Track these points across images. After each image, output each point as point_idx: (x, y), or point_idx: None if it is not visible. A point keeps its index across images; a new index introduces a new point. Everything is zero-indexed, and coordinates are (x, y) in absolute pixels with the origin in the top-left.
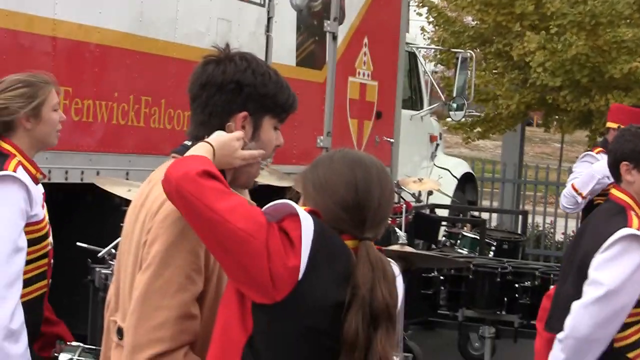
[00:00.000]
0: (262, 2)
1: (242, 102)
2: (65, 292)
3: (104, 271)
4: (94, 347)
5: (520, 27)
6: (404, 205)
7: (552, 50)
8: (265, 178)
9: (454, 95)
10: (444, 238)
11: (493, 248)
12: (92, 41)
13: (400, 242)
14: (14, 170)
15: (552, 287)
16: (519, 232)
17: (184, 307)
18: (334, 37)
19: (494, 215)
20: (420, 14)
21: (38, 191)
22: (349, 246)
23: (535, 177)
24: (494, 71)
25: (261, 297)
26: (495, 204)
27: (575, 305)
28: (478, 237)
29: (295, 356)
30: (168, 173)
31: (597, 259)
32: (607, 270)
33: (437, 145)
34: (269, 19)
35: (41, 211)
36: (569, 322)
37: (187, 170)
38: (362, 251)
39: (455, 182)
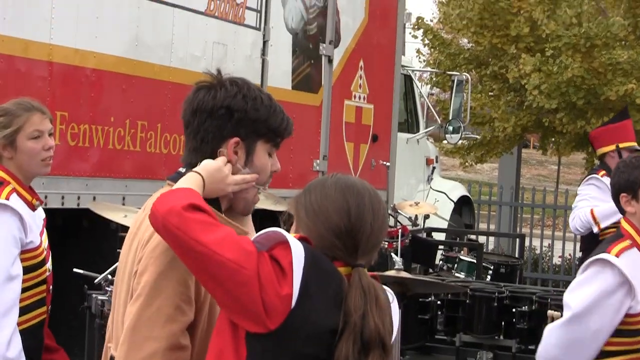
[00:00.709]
0: (258, 26)
1: (233, 128)
2: (63, 318)
3: (100, 297)
4: None
5: (516, 49)
6: (400, 229)
7: (547, 73)
8: (260, 202)
9: (450, 117)
10: (440, 262)
11: (490, 272)
12: (88, 66)
13: (396, 266)
14: (7, 198)
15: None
16: (516, 255)
17: (173, 338)
18: (330, 60)
19: (491, 238)
20: (415, 37)
21: (35, 217)
22: (342, 272)
23: (532, 200)
24: (489, 93)
25: (255, 326)
26: (492, 227)
27: (547, 328)
28: (475, 261)
29: None
30: (154, 208)
31: (572, 282)
32: (575, 293)
33: (434, 168)
34: (265, 43)
35: (38, 238)
36: (540, 343)
37: (173, 205)
38: (355, 278)
39: (452, 205)
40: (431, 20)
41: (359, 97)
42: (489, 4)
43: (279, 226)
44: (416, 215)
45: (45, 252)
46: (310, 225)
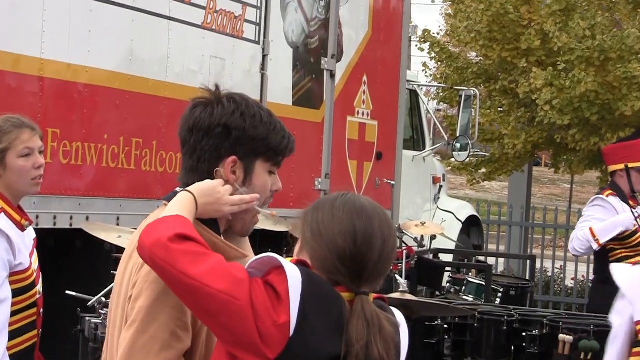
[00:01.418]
0: (257, 39)
1: (231, 146)
2: (55, 342)
3: (94, 321)
4: None
5: (527, 63)
6: (406, 250)
7: (559, 87)
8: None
9: (458, 134)
10: (448, 284)
11: (500, 295)
12: (80, 81)
13: (401, 289)
14: None
15: (561, 335)
16: (527, 277)
17: None
18: (332, 75)
19: (501, 260)
20: (422, 50)
21: (24, 238)
22: (345, 298)
23: (543, 220)
24: (499, 109)
25: (253, 357)
26: (502, 248)
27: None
28: (484, 283)
29: None
30: (140, 240)
31: None
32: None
33: (441, 187)
34: (264, 57)
35: (27, 259)
36: None
37: (158, 237)
38: (358, 306)
39: (460, 225)
40: (438, 33)
41: (363, 113)
42: (498, 16)
43: (280, 246)
44: (422, 236)
45: (35, 274)
46: (314, 246)
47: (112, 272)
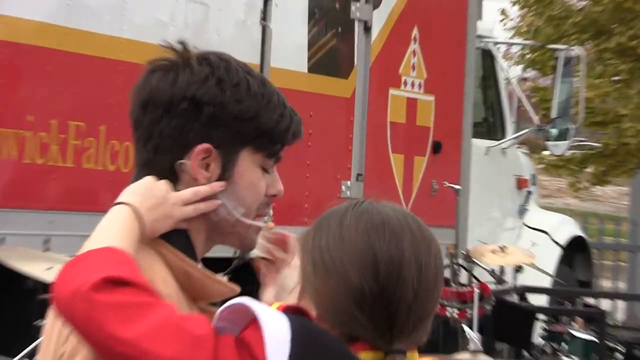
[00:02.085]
0: None
1: (202, 129)
2: None
3: None
4: None
5: None
6: (478, 288)
7: None
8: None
9: (554, 115)
10: (541, 340)
11: (620, 356)
12: None
13: (471, 346)
14: None
15: None
16: None
17: None
18: (367, 28)
19: (620, 303)
20: None
21: None
22: None
23: None
24: (614, 78)
25: None
26: (622, 285)
27: None
28: (596, 339)
29: None
30: (56, 289)
31: None
32: None
33: (529, 193)
34: (266, 3)
35: None
36: None
37: (78, 285)
38: None
39: (559, 251)
40: None
41: (413, 85)
42: None
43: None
44: (502, 268)
45: None
46: (318, 285)
47: (38, 322)
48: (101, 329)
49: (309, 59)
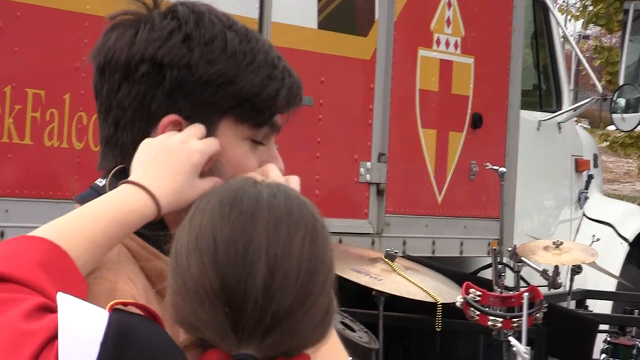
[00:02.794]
0: None
1: (167, 98)
2: None
3: None
4: None
5: None
6: (528, 292)
7: None
8: None
9: (621, 82)
10: (604, 356)
11: None
12: None
13: None
14: None
15: None
16: None
17: None
18: None
19: None
20: None
21: None
22: None
23: None
24: None
25: None
26: None
27: None
28: None
29: None
30: None
31: None
32: None
33: (590, 177)
34: None
35: None
36: None
37: None
38: None
39: (626, 248)
40: None
41: (447, 44)
42: None
43: None
44: (557, 267)
45: None
46: (171, 283)
47: None
48: None
49: (320, 11)
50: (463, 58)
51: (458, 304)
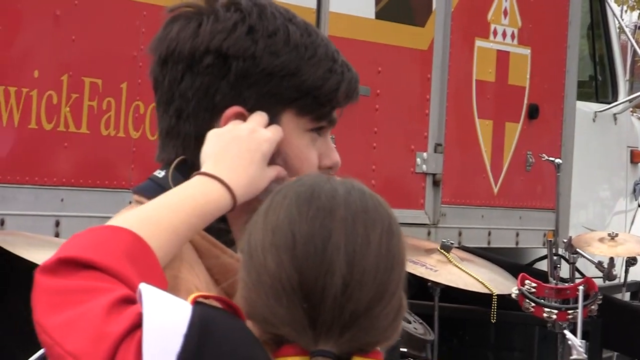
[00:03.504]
0: None
1: (232, 88)
2: None
3: None
4: None
5: None
6: (583, 284)
7: None
8: None
9: None
10: None
11: None
12: None
13: (574, 356)
14: None
15: None
16: None
17: None
18: None
19: None
20: None
21: None
22: None
23: None
24: None
25: None
26: None
27: None
28: None
29: None
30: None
31: None
32: None
33: None
34: None
35: None
36: None
37: (44, 264)
38: None
39: None
40: None
41: (504, 35)
42: None
43: None
44: (612, 259)
45: None
46: (244, 277)
47: None
48: (35, 312)
49: (377, 1)
50: (520, 49)
51: (513, 296)
